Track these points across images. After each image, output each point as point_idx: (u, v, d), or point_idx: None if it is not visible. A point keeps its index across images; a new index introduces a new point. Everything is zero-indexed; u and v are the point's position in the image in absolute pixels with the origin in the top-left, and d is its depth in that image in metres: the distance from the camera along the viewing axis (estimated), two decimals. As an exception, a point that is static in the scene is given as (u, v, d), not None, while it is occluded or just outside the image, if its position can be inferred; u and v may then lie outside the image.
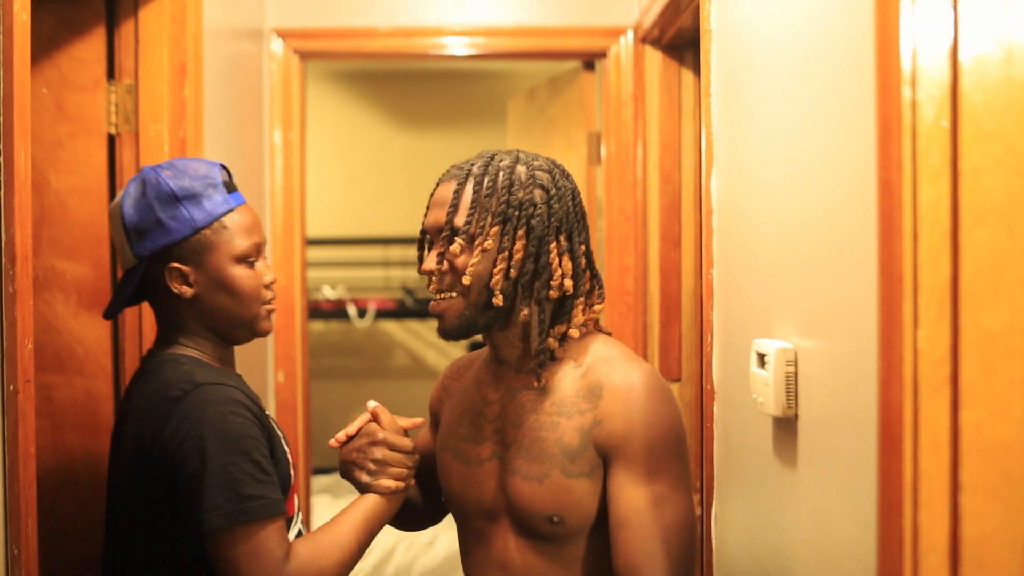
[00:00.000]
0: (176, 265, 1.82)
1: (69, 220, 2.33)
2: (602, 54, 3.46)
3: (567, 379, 1.65)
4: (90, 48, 2.35)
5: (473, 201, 1.63)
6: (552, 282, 1.63)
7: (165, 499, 1.70)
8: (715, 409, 2.12)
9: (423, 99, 6.59)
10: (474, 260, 1.61)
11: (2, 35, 1.49)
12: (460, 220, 1.63)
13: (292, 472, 1.86)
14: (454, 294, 1.65)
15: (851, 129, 1.37)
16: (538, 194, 1.63)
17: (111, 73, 2.36)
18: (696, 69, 3.08)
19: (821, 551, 1.51)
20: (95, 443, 2.33)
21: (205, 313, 1.85)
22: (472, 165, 1.67)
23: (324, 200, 6.32)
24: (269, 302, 1.92)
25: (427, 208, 1.72)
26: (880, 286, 1.22)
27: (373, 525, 1.76)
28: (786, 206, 1.66)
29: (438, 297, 1.67)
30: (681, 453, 1.59)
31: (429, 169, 6.53)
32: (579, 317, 1.66)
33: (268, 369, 3.40)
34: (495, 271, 1.61)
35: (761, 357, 1.68)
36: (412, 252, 6.64)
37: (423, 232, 1.73)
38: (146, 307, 2.33)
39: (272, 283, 1.93)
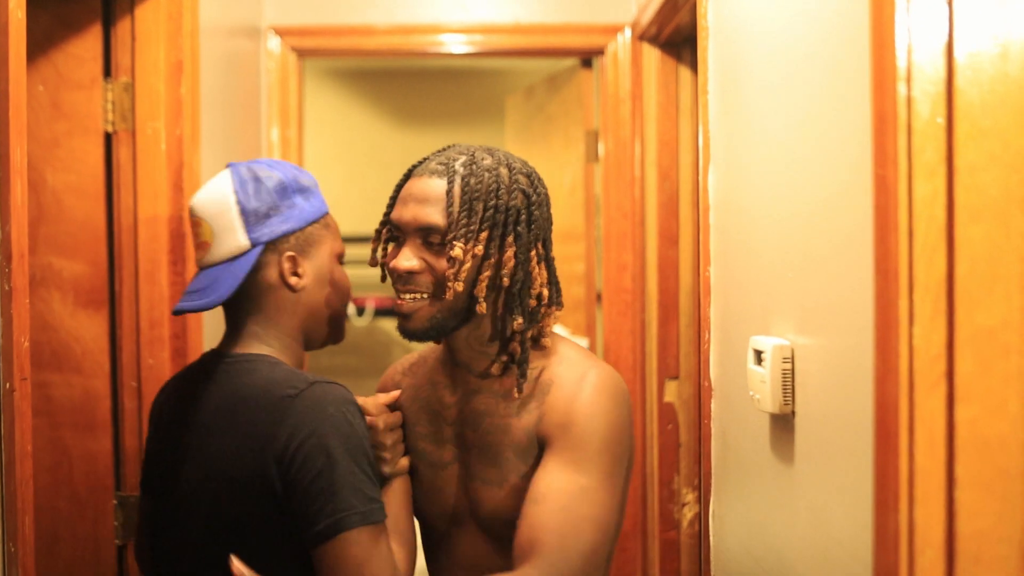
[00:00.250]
0: (292, 254, 1.78)
1: (66, 218, 2.33)
2: (600, 52, 3.46)
3: (522, 381, 1.64)
4: (86, 46, 2.35)
5: (463, 203, 1.58)
6: (532, 290, 1.63)
7: (278, 499, 1.62)
8: (713, 406, 2.12)
9: (421, 97, 6.59)
10: (467, 265, 1.58)
11: (-3, 32, 1.49)
12: (451, 222, 1.58)
13: None
14: (424, 295, 1.61)
15: (847, 126, 1.37)
16: (520, 199, 1.62)
17: (108, 71, 2.36)
18: (694, 66, 3.08)
19: (818, 547, 1.51)
20: (92, 441, 2.34)
21: (306, 308, 1.81)
22: (454, 162, 1.62)
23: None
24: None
25: (394, 200, 1.69)
26: (876, 283, 1.22)
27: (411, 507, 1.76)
28: (783, 203, 1.66)
29: (408, 297, 1.62)
30: (618, 455, 1.56)
31: (427, 167, 6.57)
32: (550, 324, 1.67)
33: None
34: (481, 278, 1.59)
35: (758, 354, 1.68)
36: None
37: (389, 226, 1.69)
38: (144, 304, 2.34)
39: None
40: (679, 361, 3.19)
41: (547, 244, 1.66)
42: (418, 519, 1.77)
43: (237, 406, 1.70)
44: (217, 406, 1.73)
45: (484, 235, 1.59)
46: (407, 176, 1.69)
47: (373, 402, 1.73)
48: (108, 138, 2.36)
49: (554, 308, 1.68)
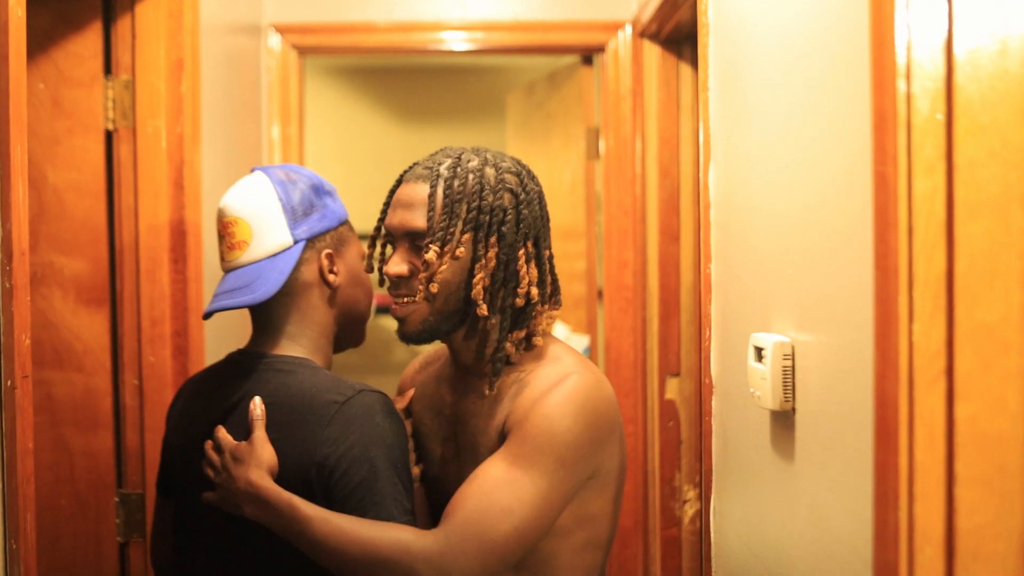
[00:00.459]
0: (330, 251, 1.80)
1: (67, 216, 2.33)
2: (600, 49, 3.46)
3: (508, 385, 1.64)
4: (87, 44, 2.35)
5: (444, 206, 1.60)
6: (519, 290, 1.62)
7: (317, 503, 1.60)
8: (713, 403, 2.12)
9: (422, 94, 6.58)
10: (443, 268, 1.60)
11: (-2, 30, 1.49)
12: (431, 225, 1.61)
13: None
14: (417, 299, 1.63)
15: (846, 123, 1.37)
16: (507, 199, 1.62)
17: (108, 69, 2.36)
18: (694, 63, 3.08)
19: (819, 544, 1.51)
20: (94, 439, 2.34)
21: (339, 307, 1.83)
22: (439, 165, 1.64)
23: (323, 196, 6.31)
24: None
25: (387, 205, 1.71)
26: (875, 279, 1.22)
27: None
28: (783, 200, 1.66)
29: (401, 301, 1.65)
30: (565, 459, 1.53)
31: (428, 164, 6.57)
32: (542, 324, 1.66)
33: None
34: (475, 281, 1.60)
35: (758, 351, 1.68)
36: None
37: (382, 230, 1.72)
38: (145, 302, 2.34)
39: None
40: (680, 358, 3.20)
41: (539, 243, 1.66)
42: (428, 510, 1.79)
43: (281, 408, 1.68)
44: (282, 408, 1.70)
45: (467, 236, 1.60)
46: (399, 181, 1.71)
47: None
48: (109, 136, 2.36)
49: (547, 307, 1.68)
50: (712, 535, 2.14)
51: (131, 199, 2.35)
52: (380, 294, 6.33)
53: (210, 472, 1.66)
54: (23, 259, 1.53)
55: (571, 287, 3.87)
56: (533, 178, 1.69)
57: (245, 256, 1.76)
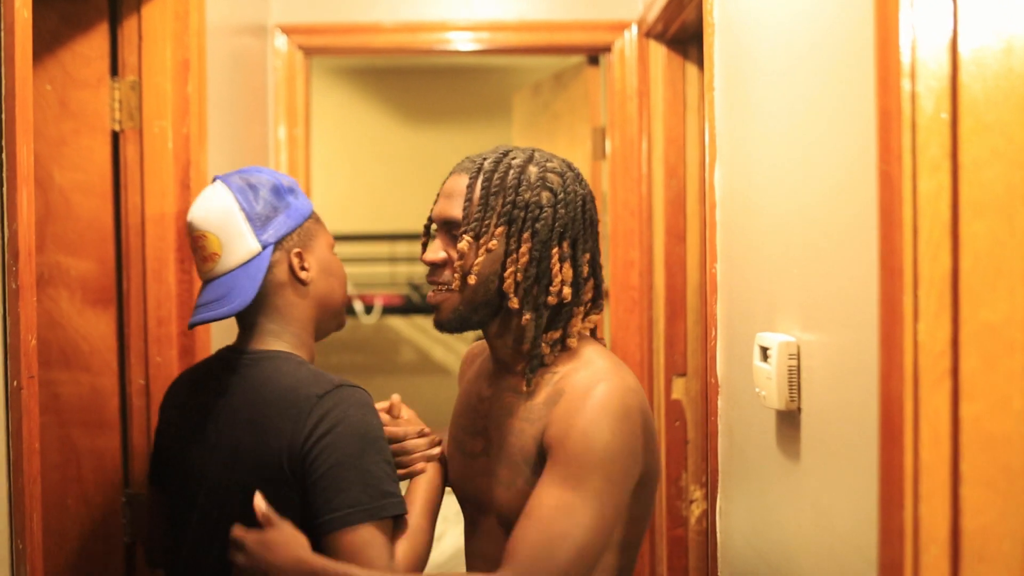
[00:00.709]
0: (299, 250, 1.87)
1: (74, 216, 2.33)
2: (606, 49, 3.45)
3: (542, 387, 1.63)
4: (93, 45, 2.35)
5: (481, 198, 1.62)
6: (551, 288, 1.61)
7: (291, 489, 1.69)
8: (719, 403, 2.12)
9: (428, 94, 6.59)
10: (479, 259, 1.61)
11: (4, 32, 1.49)
12: (467, 216, 1.63)
13: None
14: (452, 287, 1.65)
15: (851, 122, 1.37)
16: (545, 196, 1.62)
17: (115, 70, 2.37)
18: (700, 63, 3.08)
19: (824, 544, 1.51)
20: (101, 439, 2.34)
21: (316, 300, 1.90)
22: (484, 160, 1.66)
23: (330, 196, 6.33)
24: None
25: (437, 196, 1.72)
26: (880, 279, 1.22)
27: (438, 506, 1.81)
28: (788, 199, 1.66)
29: (436, 289, 1.68)
30: (612, 474, 1.53)
31: (435, 164, 6.55)
32: (577, 326, 1.65)
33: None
34: (506, 275, 1.61)
35: (764, 351, 1.68)
36: (417, 248, 6.63)
37: (430, 220, 1.74)
38: (151, 302, 2.35)
39: None
40: (686, 358, 3.19)
41: (577, 244, 1.64)
42: (458, 501, 1.83)
43: (264, 401, 1.76)
44: (242, 400, 1.79)
45: (501, 230, 1.61)
46: (450, 173, 1.74)
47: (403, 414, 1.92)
48: (115, 137, 2.36)
49: (581, 309, 1.66)
50: (718, 535, 2.14)
51: (137, 200, 2.35)
52: (387, 294, 6.27)
53: (241, 559, 1.66)
54: (29, 260, 1.53)
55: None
56: (581, 182, 1.68)
57: (218, 268, 1.83)
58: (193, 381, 1.96)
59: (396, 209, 6.54)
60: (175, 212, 2.35)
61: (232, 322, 1.91)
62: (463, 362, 1.98)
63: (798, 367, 1.60)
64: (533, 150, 1.69)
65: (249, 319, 1.87)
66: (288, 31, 3.44)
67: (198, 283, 2.35)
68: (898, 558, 1.17)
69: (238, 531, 1.66)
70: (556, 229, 1.61)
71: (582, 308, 1.66)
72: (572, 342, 1.65)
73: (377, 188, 6.63)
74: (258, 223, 1.83)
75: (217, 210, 1.84)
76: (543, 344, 1.64)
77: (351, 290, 6.18)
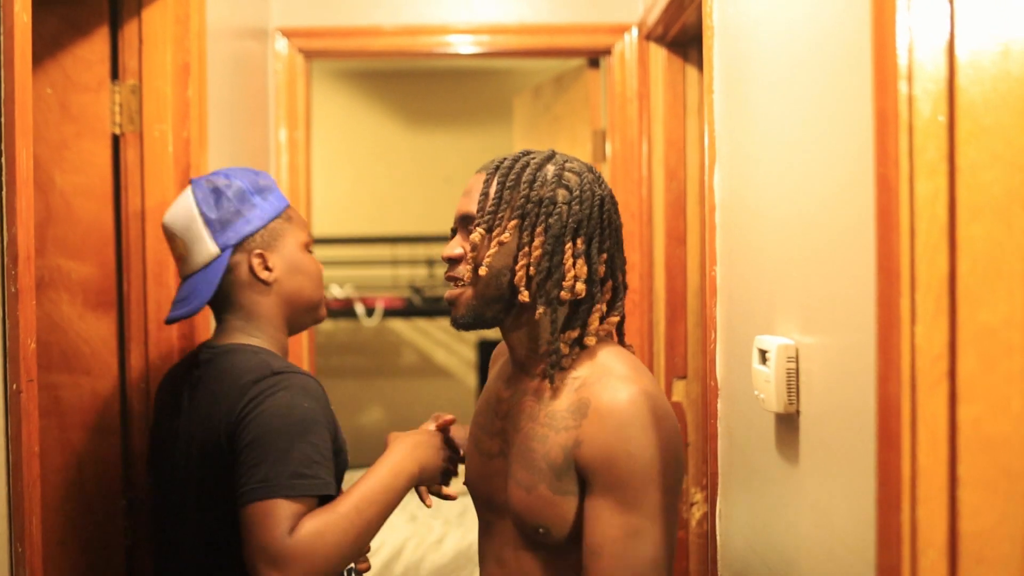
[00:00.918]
0: (260, 251, 1.97)
1: (74, 220, 2.34)
2: (607, 51, 3.46)
3: (564, 391, 1.61)
4: (94, 48, 2.36)
5: (496, 193, 1.63)
6: (564, 283, 1.60)
7: (228, 466, 1.78)
8: (719, 406, 2.12)
9: (429, 97, 6.59)
10: (491, 252, 1.61)
11: (3, 36, 1.49)
12: (481, 210, 1.64)
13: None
14: (464, 280, 1.65)
15: (849, 125, 1.37)
16: (561, 194, 1.61)
17: (115, 73, 2.37)
18: (700, 66, 3.08)
19: (823, 546, 1.51)
20: (102, 442, 2.34)
21: (283, 298, 2.00)
22: (504, 159, 1.67)
23: (331, 199, 6.33)
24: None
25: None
26: (878, 281, 1.22)
27: (394, 493, 1.80)
28: (786, 202, 1.66)
29: (452, 285, 1.68)
30: (664, 483, 1.52)
31: (436, 167, 6.58)
32: (594, 325, 1.63)
33: (275, 368, 3.41)
34: (517, 268, 1.61)
35: (763, 353, 1.68)
36: (419, 251, 6.67)
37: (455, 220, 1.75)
38: (152, 305, 2.35)
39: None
40: (687, 361, 3.19)
41: (593, 242, 1.62)
42: (473, 501, 1.82)
43: (215, 388, 1.88)
44: (203, 393, 1.92)
45: (514, 224, 1.61)
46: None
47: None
48: (116, 140, 2.37)
49: (599, 308, 1.64)
50: (718, 537, 2.14)
51: (138, 203, 2.35)
52: (388, 296, 6.27)
53: None
54: (28, 263, 1.54)
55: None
56: (600, 183, 1.67)
57: (185, 268, 2.01)
58: (172, 377, 2.10)
59: (397, 212, 6.54)
60: (175, 215, 2.35)
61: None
62: (492, 360, 1.98)
63: (796, 370, 1.60)
64: (554, 152, 1.69)
65: (219, 316, 2.02)
66: (289, 34, 3.44)
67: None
68: (896, 561, 1.17)
69: None
70: (570, 225, 1.60)
71: (599, 307, 1.64)
72: (590, 340, 1.63)
73: (378, 191, 6.63)
74: (217, 227, 1.95)
75: (181, 215, 1.99)
76: (562, 344, 1.62)
77: (352, 292, 6.19)
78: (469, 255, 1.65)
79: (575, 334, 1.63)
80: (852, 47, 1.35)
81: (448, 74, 6.56)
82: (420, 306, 6.16)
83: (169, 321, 1.99)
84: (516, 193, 1.62)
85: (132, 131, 2.36)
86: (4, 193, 1.49)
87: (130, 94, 2.36)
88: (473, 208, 1.65)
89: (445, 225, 6.31)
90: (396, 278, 6.45)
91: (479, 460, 1.76)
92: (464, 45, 3.51)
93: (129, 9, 2.37)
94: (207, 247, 1.96)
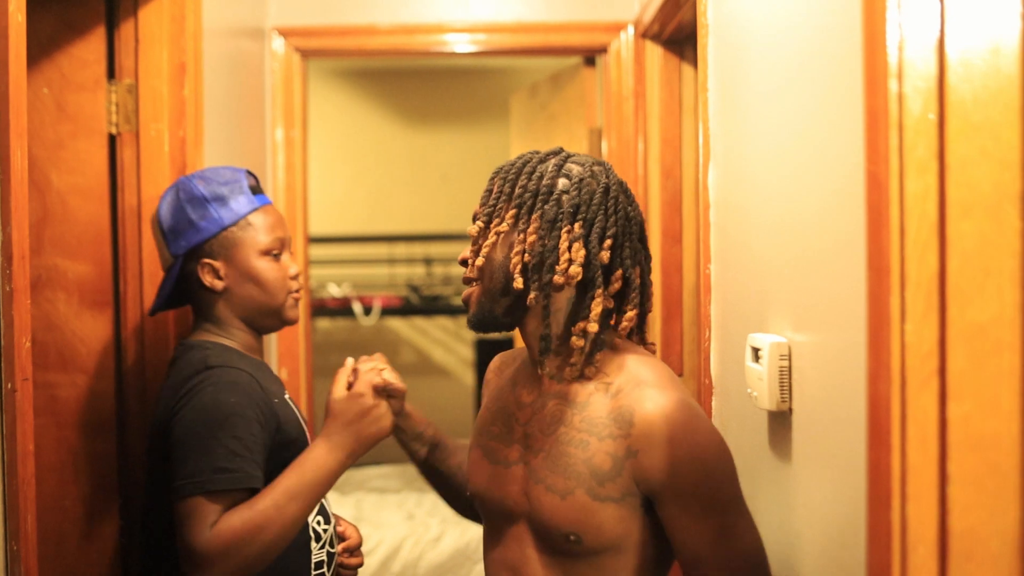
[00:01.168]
0: (208, 261, 2.02)
1: (71, 219, 2.34)
2: (603, 50, 3.46)
3: (597, 396, 1.58)
4: (90, 48, 2.36)
5: (499, 188, 1.63)
6: (557, 267, 1.56)
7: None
8: (713, 404, 2.13)
9: (426, 96, 6.59)
10: (488, 242, 1.61)
11: (-3, 36, 1.50)
12: (481, 205, 1.64)
13: None
14: (469, 275, 1.65)
15: (841, 123, 1.37)
16: (561, 182, 1.60)
17: (111, 73, 2.37)
18: (696, 64, 3.08)
19: (814, 544, 1.51)
20: (98, 441, 2.35)
21: (236, 304, 2.05)
22: (515, 159, 1.67)
23: (329, 198, 6.33)
24: (294, 291, 2.09)
25: None
26: (868, 279, 1.22)
27: (316, 488, 1.79)
28: (779, 200, 1.67)
29: (465, 287, 1.68)
30: (731, 475, 1.54)
31: (433, 166, 6.58)
32: (596, 310, 1.57)
33: (272, 366, 3.41)
34: (513, 254, 1.59)
35: (756, 351, 1.68)
36: (416, 249, 6.67)
37: None
38: (148, 304, 2.35)
39: (296, 275, 2.10)
40: (683, 359, 3.20)
41: (594, 227, 1.57)
42: (479, 511, 1.78)
43: (163, 385, 2.00)
44: (162, 386, 2.02)
45: (511, 212, 1.60)
46: None
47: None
48: (112, 140, 2.37)
49: (599, 293, 1.58)
50: (713, 535, 2.14)
51: (134, 202, 2.36)
52: (386, 295, 6.25)
53: None
54: (23, 263, 1.54)
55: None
56: (608, 173, 1.63)
57: (162, 267, 2.12)
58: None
59: (395, 210, 6.55)
60: (171, 214, 2.35)
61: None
62: (489, 371, 1.92)
63: (789, 368, 1.60)
64: (562, 148, 1.68)
65: (193, 314, 2.12)
66: (285, 33, 3.44)
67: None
68: (886, 558, 1.17)
69: None
70: (567, 210, 1.57)
71: (600, 292, 1.58)
72: (591, 327, 1.58)
73: (375, 190, 6.63)
74: (171, 236, 2.05)
75: (153, 220, 2.12)
76: (574, 336, 1.59)
77: (350, 291, 6.19)
78: (471, 248, 1.65)
79: (584, 325, 1.59)
80: (844, 45, 1.35)
81: (445, 73, 6.56)
82: (418, 305, 6.17)
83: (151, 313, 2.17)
84: (515, 185, 1.62)
85: (128, 130, 2.37)
86: (-1, 193, 1.49)
87: (126, 93, 2.36)
88: (479, 208, 1.67)
89: (442, 224, 6.37)
90: (393, 277, 6.45)
91: (491, 469, 1.71)
92: (461, 44, 3.51)
93: (125, 9, 2.37)
94: (165, 253, 2.08)
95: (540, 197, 1.59)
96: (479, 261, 1.62)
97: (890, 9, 1.16)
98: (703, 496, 1.51)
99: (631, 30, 3.35)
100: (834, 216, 1.41)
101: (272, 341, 3.41)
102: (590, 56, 3.67)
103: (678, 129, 3.18)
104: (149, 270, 2.35)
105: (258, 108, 3.33)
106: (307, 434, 2.03)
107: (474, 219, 1.66)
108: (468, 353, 6.59)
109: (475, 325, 1.67)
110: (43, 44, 2.31)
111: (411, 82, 6.61)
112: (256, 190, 2.10)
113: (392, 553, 4.52)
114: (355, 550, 2.17)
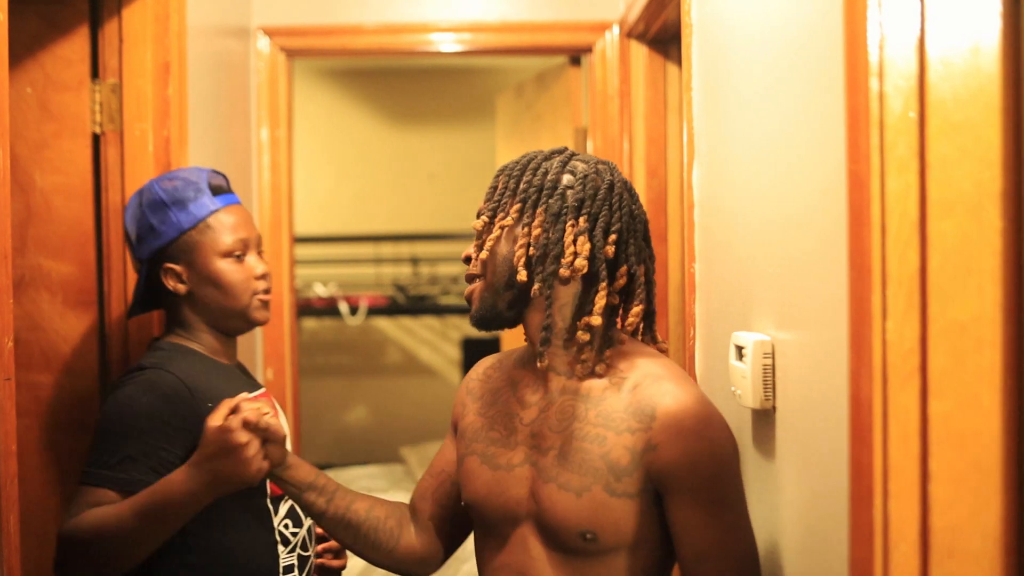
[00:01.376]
0: (169, 265, 2.01)
1: (55, 219, 2.33)
2: (588, 49, 3.46)
3: (612, 391, 1.57)
4: (74, 47, 2.36)
5: (503, 184, 1.64)
6: (562, 260, 1.55)
7: None
8: (698, 402, 2.13)
9: (412, 96, 6.59)
10: (492, 236, 1.60)
11: (-22, 35, 1.49)
12: (486, 201, 1.65)
13: None
14: (477, 276, 1.65)
15: (823, 122, 1.38)
16: (565, 178, 1.59)
17: (95, 72, 2.37)
18: (681, 63, 3.09)
19: (798, 541, 1.52)
20: (83, 440, 2.33)
21: (200, 307, 2.03)
22: (520, 158, 1.67)
23: (315, 198, 6.32)
24: (261, 293, 2.06)
25: None
26: (850, 278, 1.23)
27: (163, 513, 1.74)
28: (763, 199, 1.67)
29: (468, 284, 1.67)
30: (739, 475, 1.56)
31: (419, 166, 6.58)
32: (600, 304, 1.56)
33: (257, 366, 3.41)
34: (517, 247, 1.58)
35: (739, 350, 1.68)
36: (403, 249, 6.67)
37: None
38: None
39: (264, 275, 2.07)
40: (669, 357, 3.19)
41: (599, 221, 1.56)
42: (473, 519, 1.73)
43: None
44: None
45: (516, 207, 1.60)
46: None
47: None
48: (96, 139, 2.36)
49: (603, 287, 1.57)
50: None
51: (119, 202, 2.35)
52: (372, 295, 6.24)
53: None
54: (6, 262, 1.53)
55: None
56: (613, 172, 1.63)
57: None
58: None
59: (381, 210, 6.54)
60: (155, 214, 2.34)
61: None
62: (471, 380, 1.84)
63: (773, 366, 1.61)
64: (567, 148, 1.68)
65: (165, 318, 2.13)
66: (270, 33, 3.44)
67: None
68: (868, 555, 1.18)
69: None
70: (572, 204, 1.57)
71: (604, 286, 1.57)
72: (595, 320, 1.56)
73: (361, 189, 6.63)
74: (134, 241, 2.05)
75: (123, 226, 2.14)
76: (580, 331, 1.58)
77: (336, 291, 6.18)
78: (475, 242, 1.65)
79: (588, 320, 1.58)
80: (825, 44, 1.35)
81: (431, 72, 6.56)
82: (404, 304, 6.16)
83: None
84: (520, 181, 1.62)
85: (112, 130, 2.36)
86: (-19, 192, 1.49)
87: (110, 93, 2.36)
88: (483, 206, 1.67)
89: (429, 223, 6.37)
90: (380, 276, 6.44)
91: (491, 475, 1.66)
92: (446, 43, 3.51)
93: (109, 8, 2.37)
94: (134, 258, 2.10)
95: (545, 192, 1.58)
96: (483, 255, 1.62)
97: (871, 8, 1.17)
98: (717, 492, 1.51)
99: (616, 30, 3.35)
100: (817, 215, 1.41)
101: (258, 341, 3.41)
102: (575, 56, 3.68)
103: (663, 128, 3.18)
104: (133, 270, 2.34)
105: (243, 108, 3.32)
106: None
107: (478, 215, 1.65)
108: (455, 353, 6.58)
109: (477, 321, 1.66)
110: (26, 43, 2.30)
111: (397, 82, 6.60)
112: (220, 190, 2.07)
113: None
114: (339, 552, 2.17)
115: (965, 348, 1.16)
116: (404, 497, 2.03)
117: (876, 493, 1.17)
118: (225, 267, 2.02)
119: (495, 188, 1.65)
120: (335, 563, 2.15)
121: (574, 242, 1.56)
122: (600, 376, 1.60)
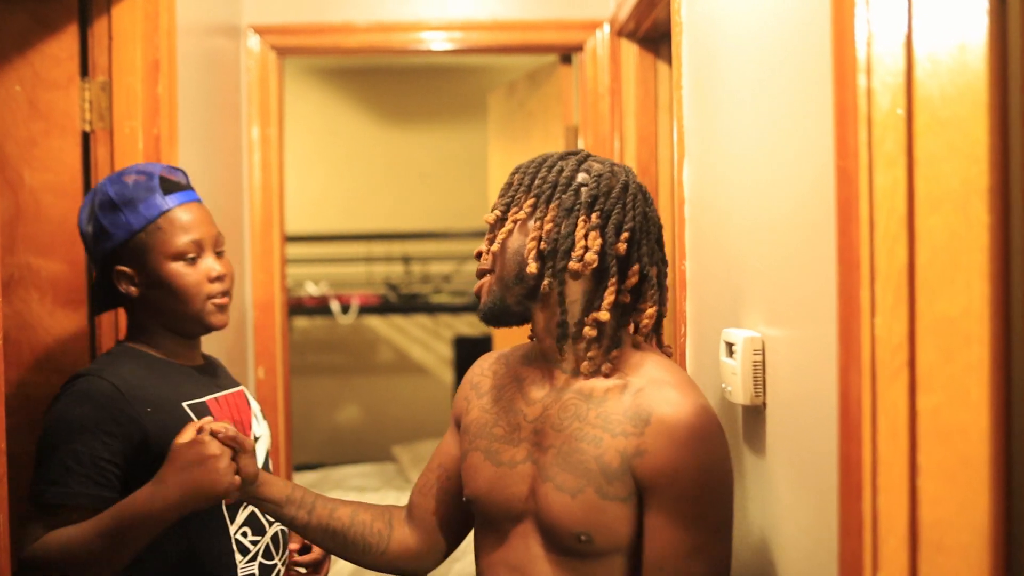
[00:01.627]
0: (121, 268, 1.95)
1: (44, 218, 2.33)
2: (579, 47, 3.47)
3: (615, 393, 1.55)
4: (64, 45, 2.35)
5: (518, 181, 1.64)
6: (573, 253, 1.55)
7: None
8: (689, 399, 2.13)
9: (403, 94, 6.59)
10: (504, 229, 1.60)
11: (-33, 32, 1.49)
12: (500, 196, 1.65)
13: None
14: (487, 271, 1.64)
15: (812, 119, 1.38)
16: (580, 176, 1.59)
17: (85, 70, 2.37)
18: (671, 62, 3.09)
19: (788, 536, 1.52)
20: (73, 440, 2.34)
21: (152, 310, 1.96)
22: (536, 157, 1.67)
23: (306, 196, 6.32)
24: (217, 296, 1.96)
25: None
26: (839, 273, 1.23)
27: (130, 530, 1.70)
28: (753, 196, 1.67)
29: (479, 280, 1.67)
30: (726, 498, 1.51)
31: (410, 164, 6.58)
32: (609, 299, 1.55)
33: (248, 365, 3.41)
34: (528, 240, 1.58)
35: (729, 346, 1.69)
36: (394, 247, 6.67)
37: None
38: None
39: (220, 277, 1.97)
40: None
41: (611, 218, 1.56)
42: (475, 514, 1.72)
43: None
44: None
45: (530, 202, 1.60)
46: None
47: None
48: (86, 137, 2.36)
49: (612, 283, 1.56)
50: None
51: (108, 200, 2.35)
52: (364, 294, 6.24)
53: None
54: (-5, 260, 1.53)
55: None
56: (628, 173, 1.63)
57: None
58: None
59: (372, 209, 6.54)
60: (146, 212, 2.34)
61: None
62: (475, 374, 1.83)
63: (763, 362, 1.61)
64: (581, 149, 1.68)
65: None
66: (261, 31, 3.43)
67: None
68: (857, 550, 1.18)
69: None
70: (585, 200, 1.56)
71: (613, 283, 1.56)
72: (603, 315, 1.55)
73: (352, 188, 6.62)
74: (90, 242, 1.98)
75: None
76: (587, 327, 1.57)
77: (328, 289, 6.18)
78: (487, 236, 1.65)
79: (597, 315, 1.56)
80: (814, 41, 1.36)
81: (422, 71, 6.56)
82: (396, 303, 6.16)
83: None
84: (535, 179, 1.62)
85: (102, 128, 2.36)
86: (-31, 190, 1.49)
87: (100, 91, 2.35)
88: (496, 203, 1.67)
89: (420, 222, 6.37)
90: (371, 275, 6.44)
91: (494, 471, 1.65)
92: (437, 42, 3.51)
93: (99, 6, 2.37)
94: (89, 259, 2.06)
95: (559, 188, 1.59)
96: (494, 247, 1.62)
97: (859, 6, 1.17)
98: (693, 510, 1.47)
99: (607, 28, 3.36)
100: (806, 211, 1.42)
101: (249, 340, 3.40)
102: (566, 54, 3.68)
103: (654, 126, 3.19)
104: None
105: (234, 106, 3.32)
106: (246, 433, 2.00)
107: (492, 209, 1.65)
108: (447, 351, 6.58)
109: (486, 315, 1.65)
110: (15, 41, 2.30)
111: (388, 80, 6.60)
112: (174, 187, 1.96)
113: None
114: (318, 565, 2.12)
115: (953, 343, 1.16)
116: (397, 496, 2.03)
117: (865, 488, 1.17)
118: (176, 270, 1.92)
119: (510, 184, 1.66)
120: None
121: (585, 237, 1.56)
122: (606, 376, 1.59)
